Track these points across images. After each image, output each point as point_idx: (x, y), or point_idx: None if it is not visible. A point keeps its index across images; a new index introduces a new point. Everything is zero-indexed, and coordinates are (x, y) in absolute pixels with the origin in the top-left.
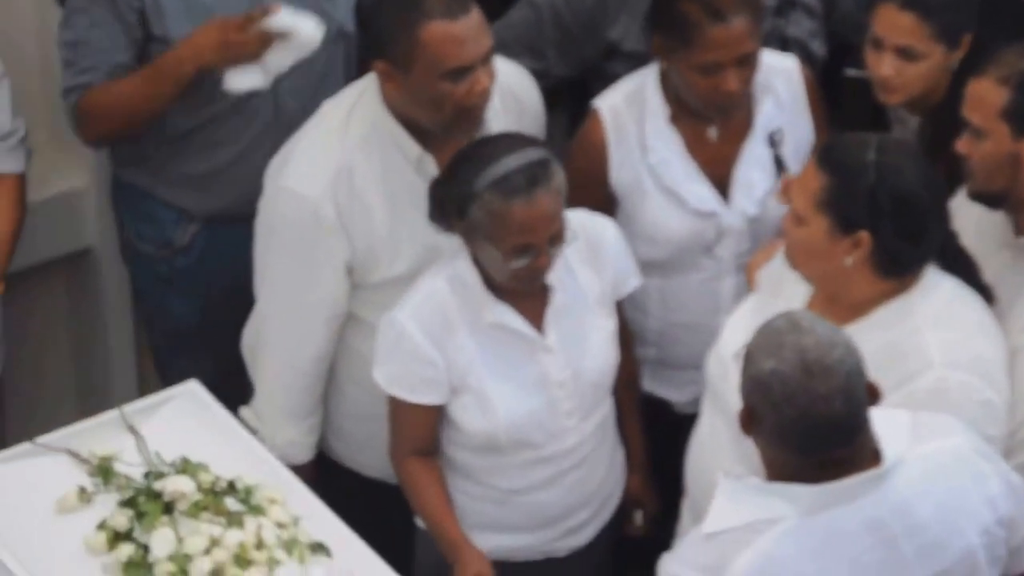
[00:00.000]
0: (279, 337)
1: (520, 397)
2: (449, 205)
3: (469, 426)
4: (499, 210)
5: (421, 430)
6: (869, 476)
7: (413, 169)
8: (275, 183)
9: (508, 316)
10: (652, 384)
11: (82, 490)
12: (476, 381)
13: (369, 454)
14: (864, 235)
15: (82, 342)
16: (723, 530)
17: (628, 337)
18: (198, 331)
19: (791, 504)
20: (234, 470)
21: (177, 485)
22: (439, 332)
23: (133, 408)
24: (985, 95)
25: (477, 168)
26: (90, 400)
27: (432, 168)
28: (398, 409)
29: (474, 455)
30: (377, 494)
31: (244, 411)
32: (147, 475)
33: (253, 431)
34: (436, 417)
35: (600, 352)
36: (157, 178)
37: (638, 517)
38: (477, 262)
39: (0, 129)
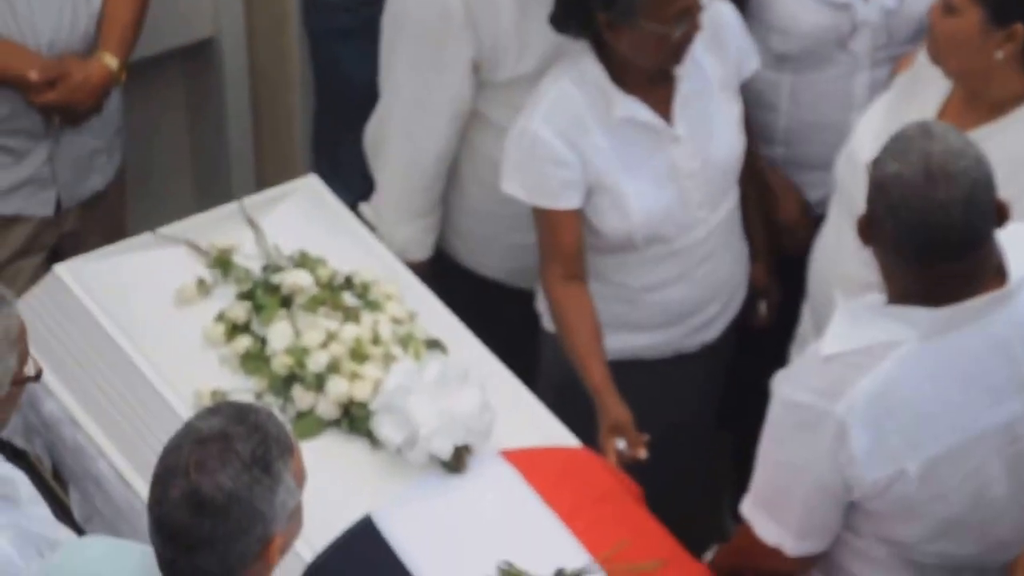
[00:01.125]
0: (402, 134)
1: (653, 192)
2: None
3: (604, 227)
4: None
5: (569, 238)
6: (993, 296)
7: None
8: None
9: (637, 109)
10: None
11: (201, 282)
12: (611, 180)
13: (489, 254)
14: (1019, 28)
15: (202, 134)
16: (841, 353)
17: (750, 128)
18: (368, 91)
19: (911, 327)
20: (351, 265)
21: (295, 279)
22: (573, 133)
23: (252, 201)
24: None
25: None
26: (209, 193)
27: None
28: (543, 222)
29: (603, 256)
30: (497, 295)
31: (364, 207)
32: (265, 268)
33: (372, 228)
34: (578, 223)
35: (727, 138)
36: None
37: (762, 307)
38: (604, 58)
39: None
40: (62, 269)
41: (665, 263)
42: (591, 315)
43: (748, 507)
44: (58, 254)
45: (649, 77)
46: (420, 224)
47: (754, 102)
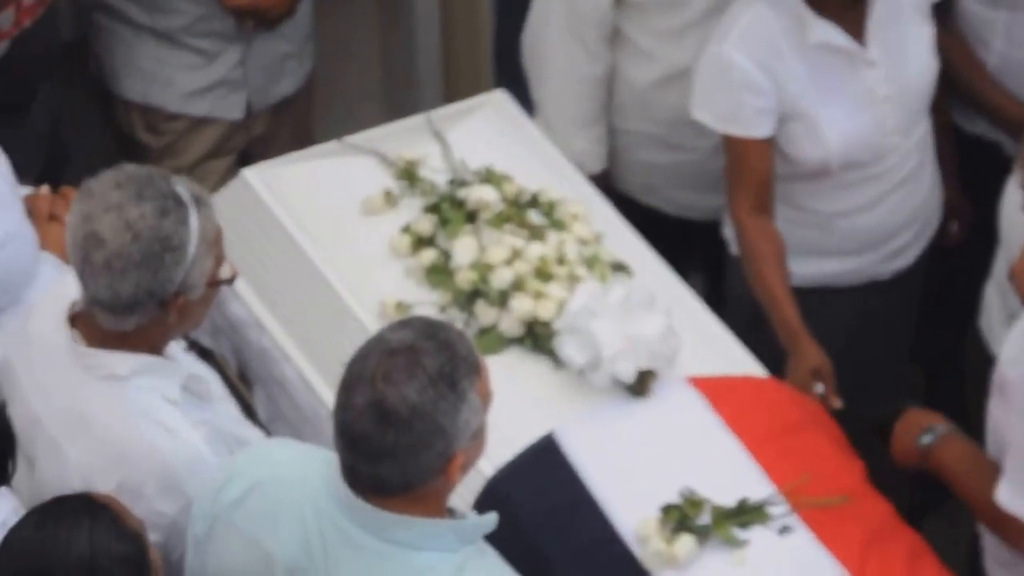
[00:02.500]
0: (555, 41)
1: (848, 117)
2: None
3: (798, 154)
4: None
5: (760, 167)
6: None
7: None
8: None
9: (832, 33)
10: (985, 126)
11: (388, 193)
12: (805, 106)
13: (635, 177)
14: None
15: (391, 43)
16: None
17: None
18: None
19: None
20: (538, 183)
21: (481, 194)
22: (768, 59)
23: (440, 114)
24: None
25: None
26: (397, 103)
27: None
28: (734, 150)
29: (795, 182)
30: (656, 222)
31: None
32: (451, 182)
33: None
34: (769, 153)
35: (921, 62)
36: None
37: (954, 227)
38: None
39: None
40: (250, 173)
41: (859, 189)
42: (781, 251)
43: (1008, 497)
44: (247, 157)
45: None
46: (589, 134)
47: (965, 37)
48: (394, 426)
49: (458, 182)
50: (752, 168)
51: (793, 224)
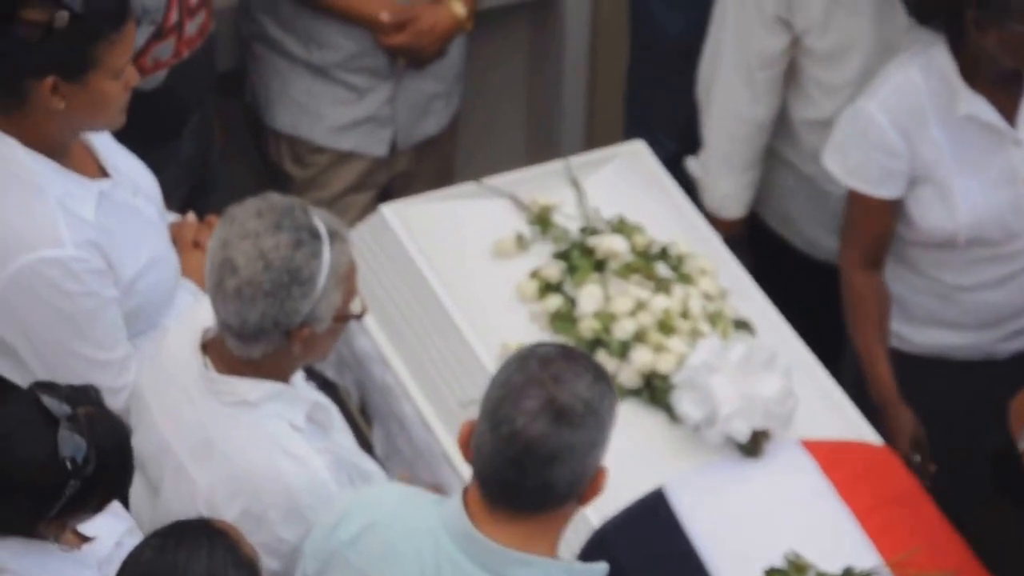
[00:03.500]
0: (724, 84)
1: (985, 192)
2: None
3: (926, 222)
4: None
5: (877, 228)
6: None
7: None
8: None
9: (983, 107)
10: None
11: (519, 237)
12: (941, 175)
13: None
14: None
15: (538, 88)
16: None
17: None
18: (680, 44)
19: None
20: (669, 235)
21: (611, 244)
22: (909, 124)
23: (578, 161)
24: None
25: None
26: (538, 147)
27: None
28: (855, 204)
29: (923, 249)
30: (804, 265)
31: (691, 161)
32: (583, 230)
33: (696, 181)
34: (893, 214)
35: None
36: None
37: None
38: (956, 51)
39: None
40: (388, 210)
41: (987, 265)
42: (885, 309)
43: None
44: (388, 193)
45: (1001, 76)
46: (741, 179)
47: None
48: (568, 424)
49: (590, 230)
50: (869, 225)
51: (913, 290)
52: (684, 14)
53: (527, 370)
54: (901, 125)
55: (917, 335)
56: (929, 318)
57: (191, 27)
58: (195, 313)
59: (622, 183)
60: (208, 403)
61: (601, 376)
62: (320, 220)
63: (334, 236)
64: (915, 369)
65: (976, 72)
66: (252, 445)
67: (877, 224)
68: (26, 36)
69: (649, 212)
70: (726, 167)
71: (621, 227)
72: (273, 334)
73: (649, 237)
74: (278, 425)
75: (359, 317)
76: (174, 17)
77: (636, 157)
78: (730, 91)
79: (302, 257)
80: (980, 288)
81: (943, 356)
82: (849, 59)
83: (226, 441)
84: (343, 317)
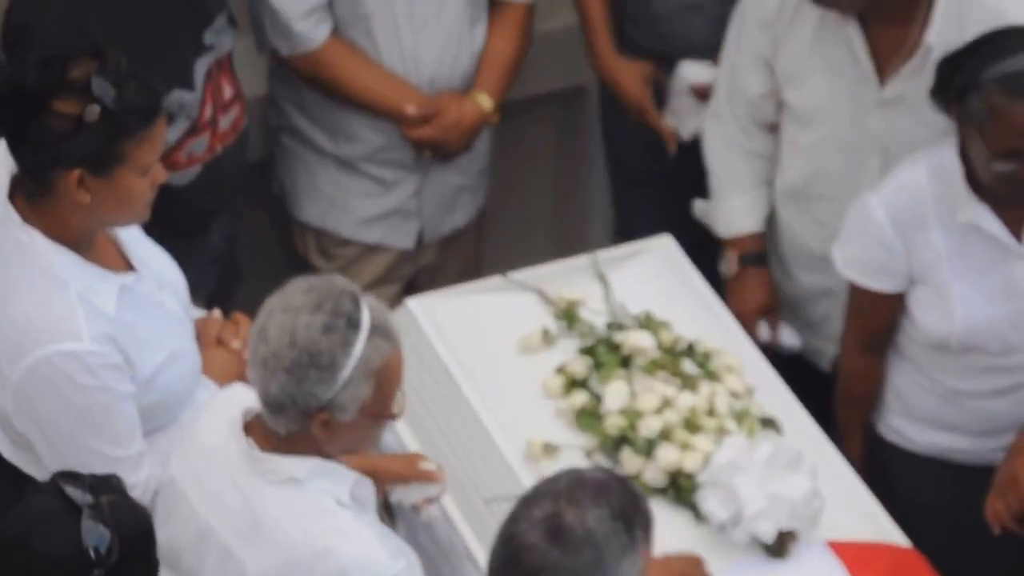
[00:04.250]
0: (717, 111)
1: (982, 302)
2: (952, 87)
3: (924, 321)
4: (999, 106)
5: (874, 319)
6: None
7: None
8: None
9: (985, 218)
10: None
11: (546, 332)
12: (939, 278)
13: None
14: None
15: (565, 181)
16: None
17: None
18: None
19: None
20: (696, 331)
21: (637, 340)
22: (908, 223)
23: (605, 256)
24: None
25: (989, 58)
26: (565, 241)
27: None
28: (853, 293)
29: (924, 349)
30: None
31: (697, 203)
32: (610, 325)
33: (706, 217)
34: (892, 307)
35: None
36: None
37: None
38: (964, 154)
39: None
40: (414, 303)
41: (986, 374)
42: (871, 395)
43: None
44: (414, 286)
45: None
46: (748, 195)
47: None
48: (563, 545)
49: (616, 326)
50: (866, 315)
51: (917, 388)
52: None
53: (557, 483)
54: (900, 224)
55: (918, 434)
56: (930, 418)
57: (225, 122)
58: (228, 397)
59: (649, 278)
60: (254, 483)
61: (621, 516)
62: (369, 313)
63: (376, 330)
64: (914, 468)
65: (981, 181)
66: (301, 523)
67: (874, 315)
68: (56, 128)
69: (676, 307)
70: (731, 186)
71: (648, 323)
72: (292, 412)
73: (676, 333)
74: (326, 502)
75: (391, 417)
76: (208, 112)
77: (663, 252)
78: (722, 122)
79: (328, 342)
80: (980, 396)
81: (943, 458)
82: (821, 120)
83: (275, 520)
84: (373, 413)
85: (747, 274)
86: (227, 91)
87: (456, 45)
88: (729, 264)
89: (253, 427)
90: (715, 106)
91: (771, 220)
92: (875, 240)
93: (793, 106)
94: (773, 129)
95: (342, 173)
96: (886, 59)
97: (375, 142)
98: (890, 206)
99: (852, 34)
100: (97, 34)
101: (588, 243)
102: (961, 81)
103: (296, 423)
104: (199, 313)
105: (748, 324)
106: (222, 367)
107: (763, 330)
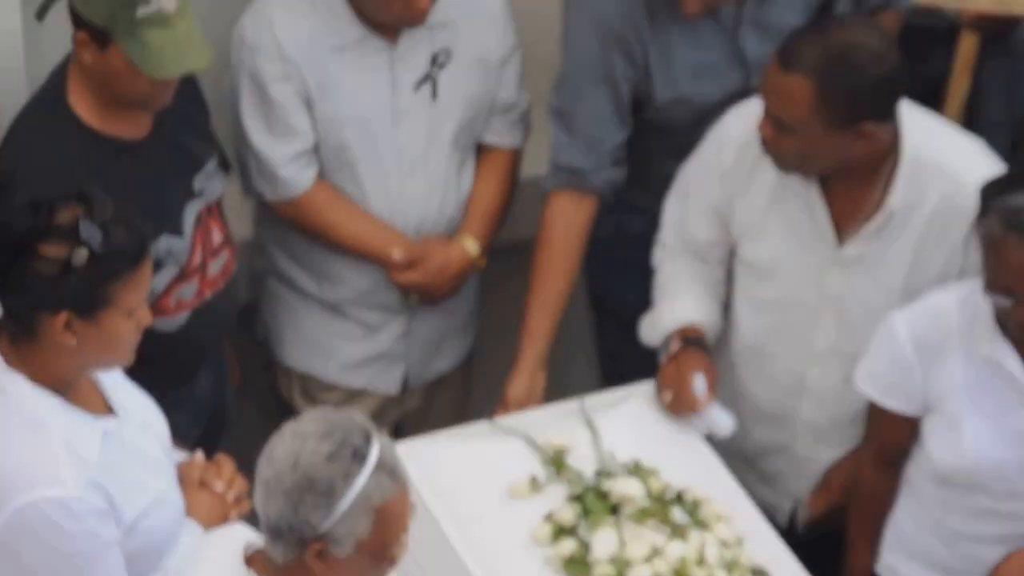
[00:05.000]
0: (664, 240)
1: (994, 441)
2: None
3: (932, 449)
4: (997, 238)
5: (888, 436)
6: None
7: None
8: None
9: (1007, 356)
10: None
11: (533, 479)
12: (953, 407)
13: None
14: None
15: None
16: None
17: None
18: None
19: None
20: (685, 478)
21: (626, 488)
22: (930, 347)
23: (593, 402)
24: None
25: (1007, 188)
26: (552, 387)
27: None
28: (872, 410)
29: (930, 482)
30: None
31: (643, 324)
32: (598, 473)
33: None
34: (906, 429)
35: None
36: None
37: None
38: None
39: (504, 102)
40: (400, 448)
41: (988, 518)
42: (883, 509)
43: None
44: (400, 431)
45: None
46: (690, 296)
47: None
48: None
49: (604, 473)
50: (881, 433)
51: (919, 527)
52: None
53: None
54: (922, 346)
55: (911, 571)
56: (928, 560)
57: (214, 267)
58: (230, 533)
59: (637, 424)
60: None
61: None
62: (379, 449)
63: (382, 467)
64: None
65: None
66: None
67: (888, 434)
68: (44, 271)
69: (664, 454)
70: (678, 289)
71: (636, 470)
72: (289, 538)
73: (664, 481)
74: None
75: (390, 561)
76: (198, 258)
77: (651, 397)
78: (668, 251)
79: (330, 470)
80: (979, 540)
81: None
82: (778, 276)
83: None
84: (371, 552)
85: (688, 350)
86: (216, 236)
87: (443, 190)
88: (671, 346)
89: (255, 559)
90: (663, 236)
91: (728, 376)
92: (894, 359)
93: (749, 260)
94: (722, 263)
95: (327, 317)
96: (845, 219)
97: (361, 286)
98: (914, 327)
99: (811, 193)
100: (84, 180)
101: (576, 388)
102: (981, 208)
103: (292, 551)
104: (182, 456)
105: (684, 386)
106: (206, 510)
107: (698, 383)
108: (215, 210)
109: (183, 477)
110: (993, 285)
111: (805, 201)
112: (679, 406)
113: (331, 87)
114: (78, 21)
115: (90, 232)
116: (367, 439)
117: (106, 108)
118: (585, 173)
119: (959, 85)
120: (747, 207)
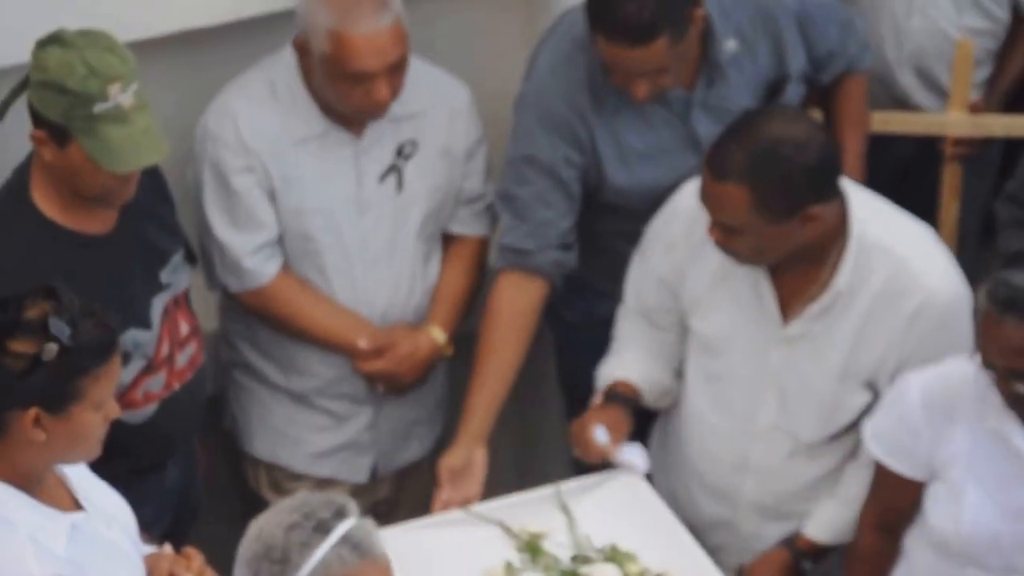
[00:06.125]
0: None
1: (993, 514)
2: None
3: (932, 516)
4: (987, 313)
5: (890, 498)
6: None
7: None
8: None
9: (1014, 431)
10: None
11: (509, 565)
12: (955, 476)
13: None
14: None
15: (524, 413)
16: None
17: None
18: None
19: None
20: (663, 562)
21: (604, 573)
22: (939, 412)
23: (569, 487)
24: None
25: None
26: (527, 472)
27: None
28: (877, 469)
29: (927, 551)
30: None
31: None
32: (574, 558)
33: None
34: (909, 493)
35: None
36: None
37: None
38: None
39: (470, 193)
40: None
41: None
42: (878, 573)
43: None
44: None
45: None
46: (633, 356)
47: None
48: None
49: (581, 558)
50: (883, 494)
51: None
52: None
53: None
54: (931, 410)
55: None
56: None
57: (181, 359)
58: None
59: (614, 508)
60: None
61: None
62: (348, 526)
63: (347, 542)
64: None
65: None
66: None
67: (890, 495)
68: (12, 368)
69: (642, 538)
70: (624, 346)
71: (614, 555)
72: None
73: (642, 565)
74: None
75: None
76: (165, 350)
77: (628, 482)
78: (627, 309)
79: (287, 538)
80: None
81: None
82: (725, 351)
83: None
84: None
85: (608, 404)
86: (184, 327)
87: (409, 280)
88: (593, 401)
89: None
90: (624, 295)
91: (676, 445)
92: (903, 420)
93: (698, 332)
94: (674, 328)
95: (294, 407)
96: (792, 298)
97: (327, 376)
98: (926, 390)
99: (758, 272)
100: (52, 276)
101: (550, 473)
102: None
103: None
104: (150, 549)
105: (587, 438)
106: None
107: (599, 434)
108: (182, 302)
109: (152, 569)
110: (983, 360)
111: (752, 279)
112: (587, 457)
113: (295, 179)
114: (37, 119)
115: (59, 327)
116: (338, 515)
117: (70, 203)
118: (530, 254)
119: (949, 214)
120: (696, 280)
